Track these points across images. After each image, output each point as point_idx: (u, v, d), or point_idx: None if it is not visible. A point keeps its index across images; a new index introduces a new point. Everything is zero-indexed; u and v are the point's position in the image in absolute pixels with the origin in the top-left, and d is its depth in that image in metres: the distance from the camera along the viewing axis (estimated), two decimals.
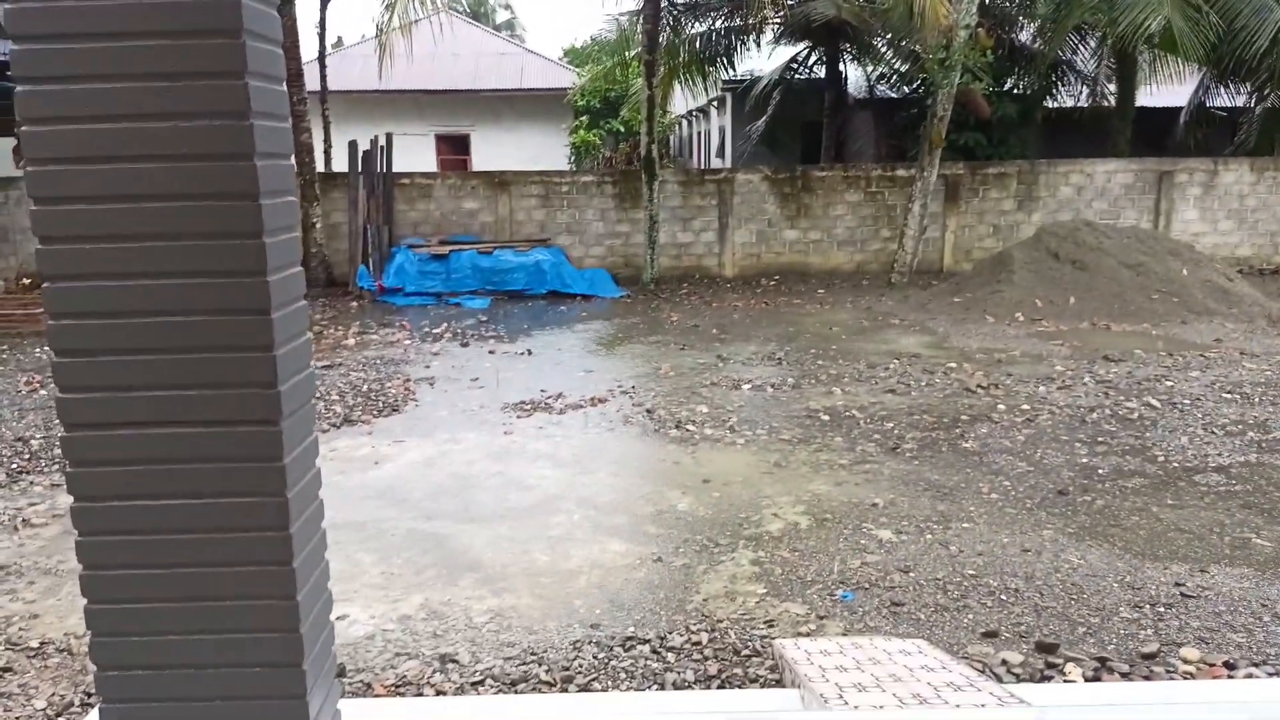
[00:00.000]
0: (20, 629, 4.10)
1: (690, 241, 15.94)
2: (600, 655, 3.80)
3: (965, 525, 5.11)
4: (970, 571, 4.51)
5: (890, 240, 15.60)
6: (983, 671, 3.53)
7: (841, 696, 2.82)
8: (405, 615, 4.18)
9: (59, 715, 3.44)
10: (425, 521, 5.31)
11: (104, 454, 1.69)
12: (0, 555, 4.89)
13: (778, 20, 18.37)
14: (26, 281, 14.12)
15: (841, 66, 19.25)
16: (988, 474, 5.96)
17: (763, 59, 20.15)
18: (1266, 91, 17.00)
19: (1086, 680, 3.52)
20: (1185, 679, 3.56)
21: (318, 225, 14.62)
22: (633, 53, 18.35)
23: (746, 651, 3.80)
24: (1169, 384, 8.11)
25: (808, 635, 3.90)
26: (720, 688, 3.56)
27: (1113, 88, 17.93)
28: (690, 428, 7.06)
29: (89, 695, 3.53)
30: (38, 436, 6.97)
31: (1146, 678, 3.57)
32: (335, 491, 5.61)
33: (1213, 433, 6.70)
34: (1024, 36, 17.90)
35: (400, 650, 3.88)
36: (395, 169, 15.51)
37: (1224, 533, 4.99)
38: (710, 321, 11.88)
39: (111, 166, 1.60)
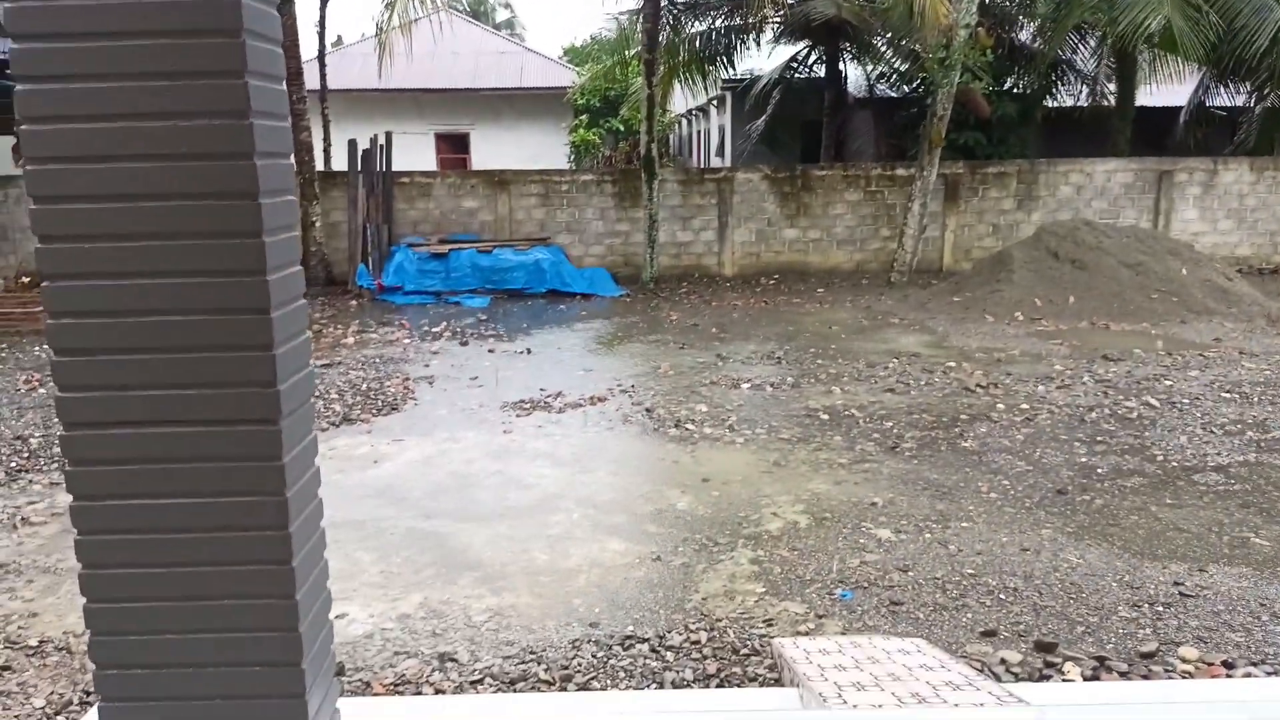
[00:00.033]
0: (19, 627, 4.10)
1: (690, 240, 15.93)
2: (599, 654, 3.80)
3: (964, 524, 5.11)
4: (969, 570, 4.51)
5: (890, 239, 15.60)
6: (981, 670, 3.54)
7: (840, 695, 2.83)
8: (404, 614, 4.18)
9: (58, 714, 3.44)
10: (424, 520, 5.31)
11: (103, 453, 1.69)
12: None
13: (778, 19, 18.37)
14: (26, 280, 14.11)
15: (841, 66, 19.25)
16: (987, 473, 5.96)
17: (762, 58, 20.14)
18: (1266, 91, 17.00)
19: (1085, 679, 3.53)
20: (1184, 678, 3.57)
21: (317, 224, 14.61)
22: (632, 51, 18.35)
23: (745, 650, 3.81)
24: (1168, 383, 8.12)
25: (806, 634, 3.91)
26: (719, 686, 3.56)
27: (1112, 87, 17.92)
28: (689, 427, 7.06)
29: (88, 694, 3.53)
30: (37, 435, 6.97)
31: (1145, 677, 3.57)
32: (334, 490, 5.61)
33: (1212, 432, 6.70)
34: (1024, 36, 17.90)
35: (399, 649, 3.88)
36: (395, 168, 15.50)
37: (1222, 532, 4.99)
38: (710, 320, 11.88)
39: (111, 165, 1.60)
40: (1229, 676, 3.56)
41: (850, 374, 8.75)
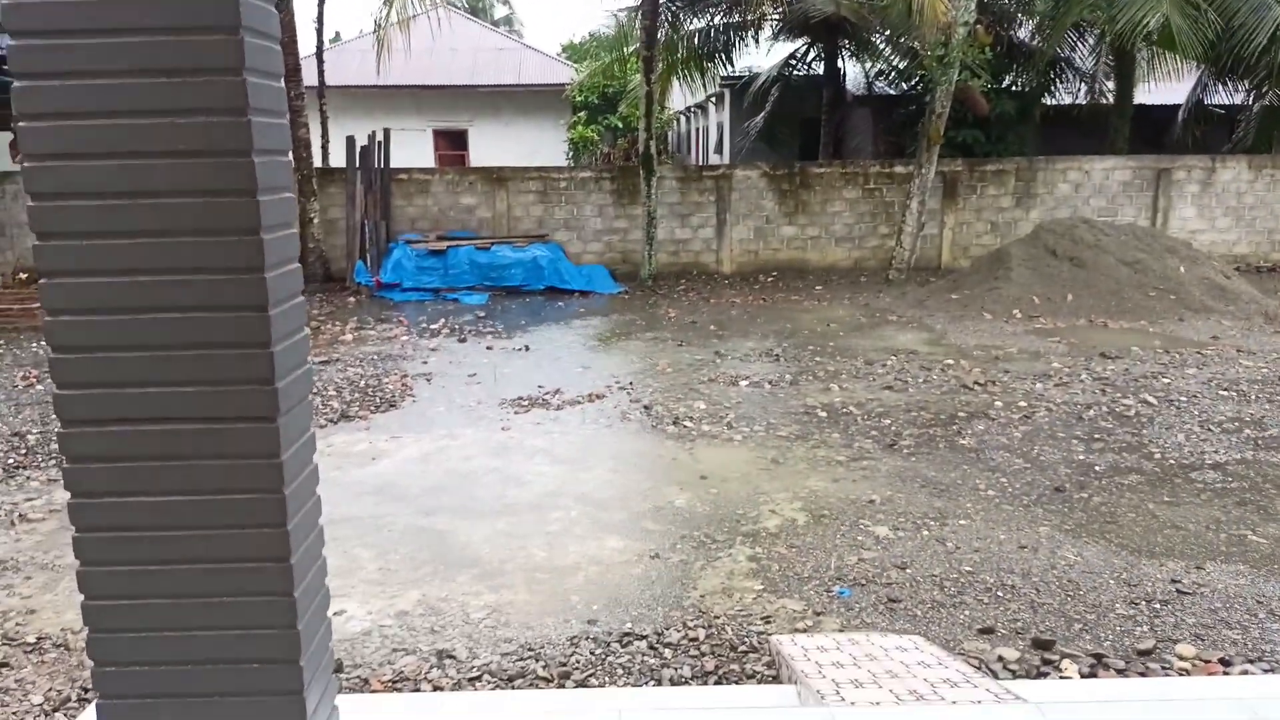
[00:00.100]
0: (17, 624, 4.10)
1: (688, 238, 15.93)
2: (597, 651, 3.80)
3: (962, 522, 5.12)
4: (967, 568, 4.52)
5: (888, 237, 15.60)
6: (979, 668, 3.54)
7: (838, 693, 2.83)
8: (403, 611, 4.18)
9: (56, 710, 3.44)
10: (422, 517, 5.31)
11: (101, 450, 1.69)
12: None
13: (776, 16, 18.36)
14: (23, 276, 14.10)
15: (840, 63, 19.23)
16: (985, 471, 5.97)
17: (761, 55, 20.13)
18: (1264, 89, 17.00)
19: (1083, 676, 3.53)
20: (1181, 675, 3.57)
21: (315, 221, 14.60)
22: (631, 49, 18.32)
23: (743, 647, 3.81)
24: (1166, 381, 8.13)
25: (805, 631, 3.91)
26: (717, 684, 3.57)
27: (1111, 85, 17.92)
28: (688, 424, 7.06)
29: (86, 690, 3.53)
30: (34, 431, 6.97)
31: (1142, 674, 3.57)
32: (332, 487, 5.61)
33: (1209, 430, 6.71)
34: (1022, 33, 17.89)
35: (397, 646, 3.88)
36: (393, 164, 15.49)
37: (1220, 529, 5.00)
38: (708, 318, 11.88)
39: (109, 162, 1.60)
40: (1226, 674, 3.57)
41: (848, 371, 8.75)
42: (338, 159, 16.15)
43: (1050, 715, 2.61)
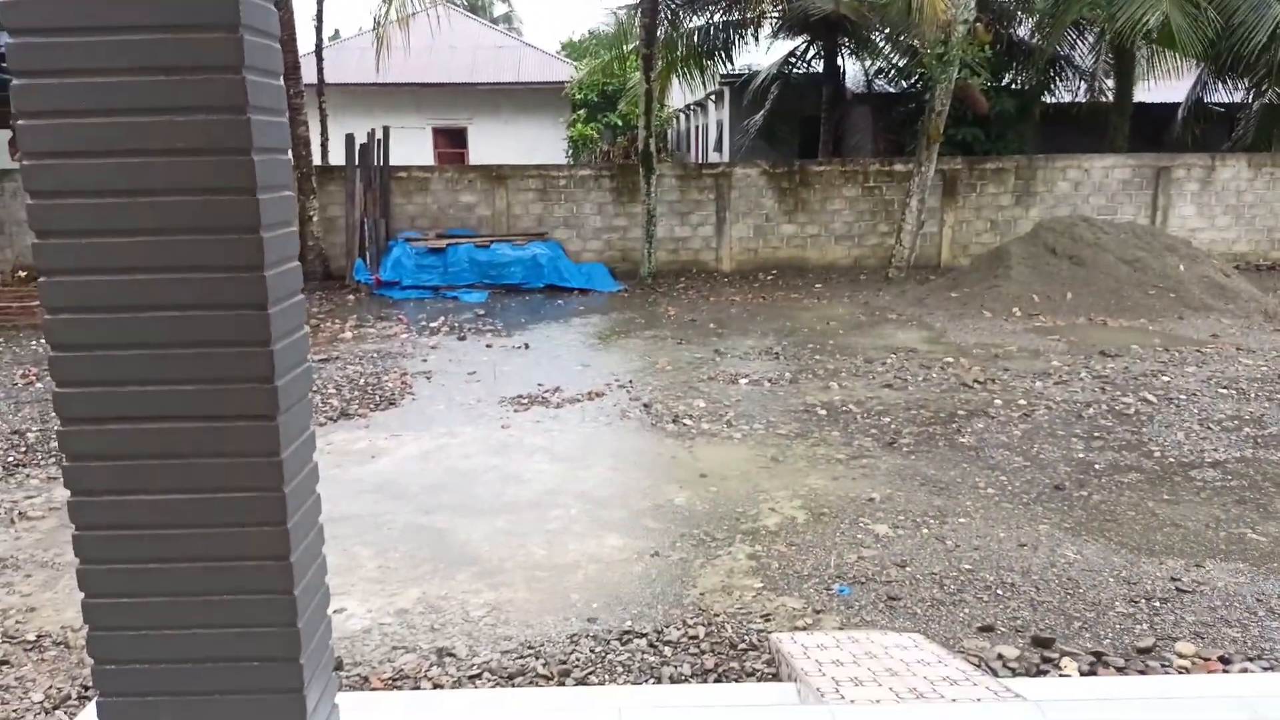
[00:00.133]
0: (17, 622, 4.10)
1: (688, 236, 15.93)
2: (597, 649, 3.80)
3: (962, 520, 5.12)
4: (966, 566, 4.52)
5: (888, 235, 15.60)
6: (979, 666, 3.54)
7: (838, 690, 2.83)
8: (402, 609, 4.18)
9: (56, 708, 3.44)
10: (422, 515, 5.31)
11: (101, 448, 1.69)
12: None
13: (776, 14, 18.35)
14: (22, 274, 14.09)
15: (840, 61, 19.22)
16: (984, 469, 5.97)
17: (761, 53, 20.11)
18: (1264, 87, 16.99)
19: (1082, 674, 3.53)
20: (1180, 673, 3.57)
21: (314, 218, 14.59)
22: (631, 46, 18.31)
23: (743, 645, 3.81)
24: (1165, 379, 8.13)
25: (804, 629, 3.91)
26: (717, 681, 3.57)
27: (1111, 83, 17.91)
28: (687, 422, 7.06)
29: (86, 688, 3.53)
30: (34, 429, 6.97)
31: (1142, 672, 3.58)
32: (332, 485, 5.60)
33: (1209, 428, 6.71)
34: (1022, 31, 17.88)
35: (397, 644, 3.88)
36: (392, 162, 15.48)
37: (1219, 528, 5.00)
38: (707, 316, 11.88)
39: (108, 161, 1.60)
40: (1225, 672, 3.57)
41: (848, 370, 8.75)
42: (337, 157, 16.14)
43: (1050, 713, 2.62)
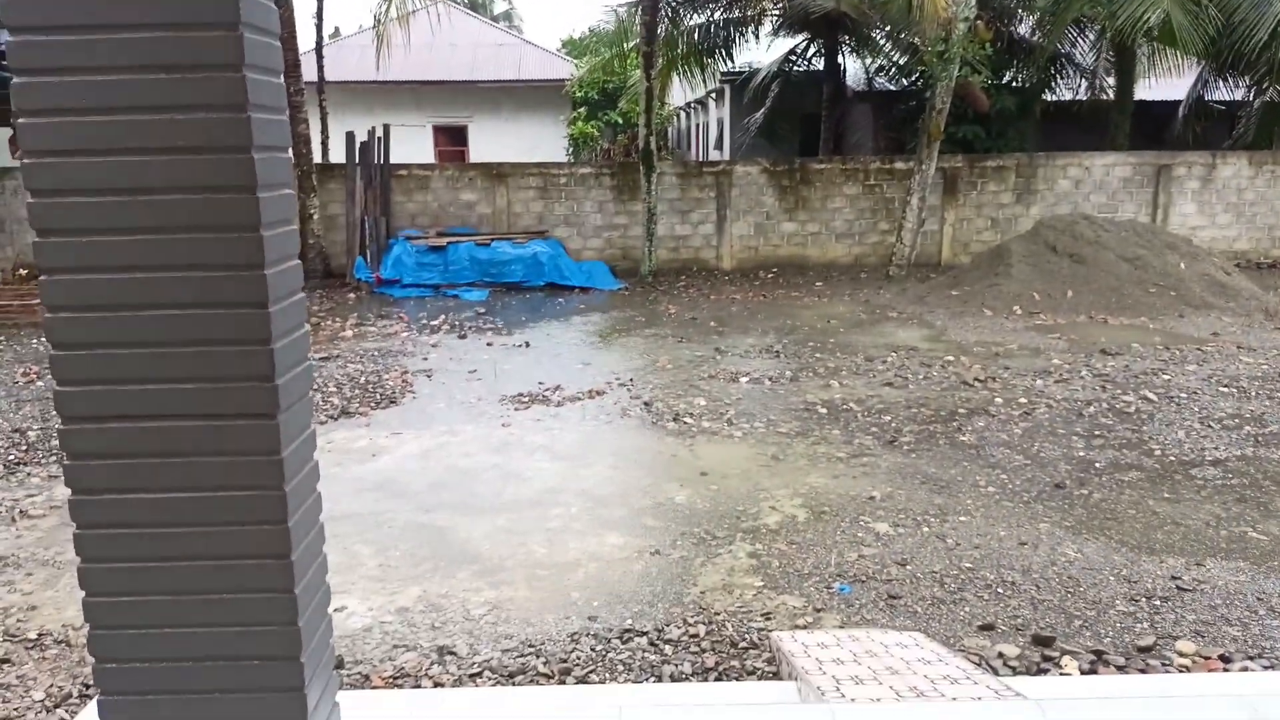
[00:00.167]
0: (18, 620, 4.10)
1: (688, 234, 15.92)
2: (598, 647, 3.80)
3: (962, 518, 5.12)
4: (967, 564, 4.52)
5: (888, 233, 15.59)
6: (979, 664, 3.54)
7: (839, 689, 2.83)
8: (403, 607, 4.18)
9: (57, 706, 3.44)
10: (423, 514, 5.32)
11: (101, 446, 1.69)
12: None
13: (776, 12, 18.35)
14: (23, 272, 14.09)
15: (840, 59, 19.22)
16: (985, 467, 5.97)
17: (761, 51, 20.12)
18: (1265, 85, 16.98)
19: (1083, 673, 3.53)
20: (1181, 672, 3.57)
21: (315, 216, 14.59)
22: (631, 44, 18.30)
23: (744, 644, 3.81)
24: (1166, 378, 8.12)
25: (805, 628, 3.91)
26: (718, 680, 3.57)
27: (1111, 81, 17.90)
28: (688, 420, 7.06)
29: (87, 687, 3.53)
30: (35, 428, 6.97)
31: (1143, 671, 3.58)
32: (333, 483, 5.61)
33: (1209, 426, 6.71)
34: (1023, 29, 17.88)
35: (398, 642, 3.88)
36: (393, 160, 15.47)
37: (1220, 526, 5.00)
38: (708, 314, 11.88)
39: (108, 159, 1.60)
40: (1226, 670, 3.57)
41: (848, 368, 8.75)
42: (337, 155, 16.13)
43: (1050, 712, 2.61)
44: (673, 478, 5.85)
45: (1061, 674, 3.54)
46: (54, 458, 6.27)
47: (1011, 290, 11.78)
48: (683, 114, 29.93)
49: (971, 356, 9.13)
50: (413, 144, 22.13)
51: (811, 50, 19.67)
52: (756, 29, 18.71)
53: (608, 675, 3.61)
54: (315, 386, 8.01)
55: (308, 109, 14.90)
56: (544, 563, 4.63)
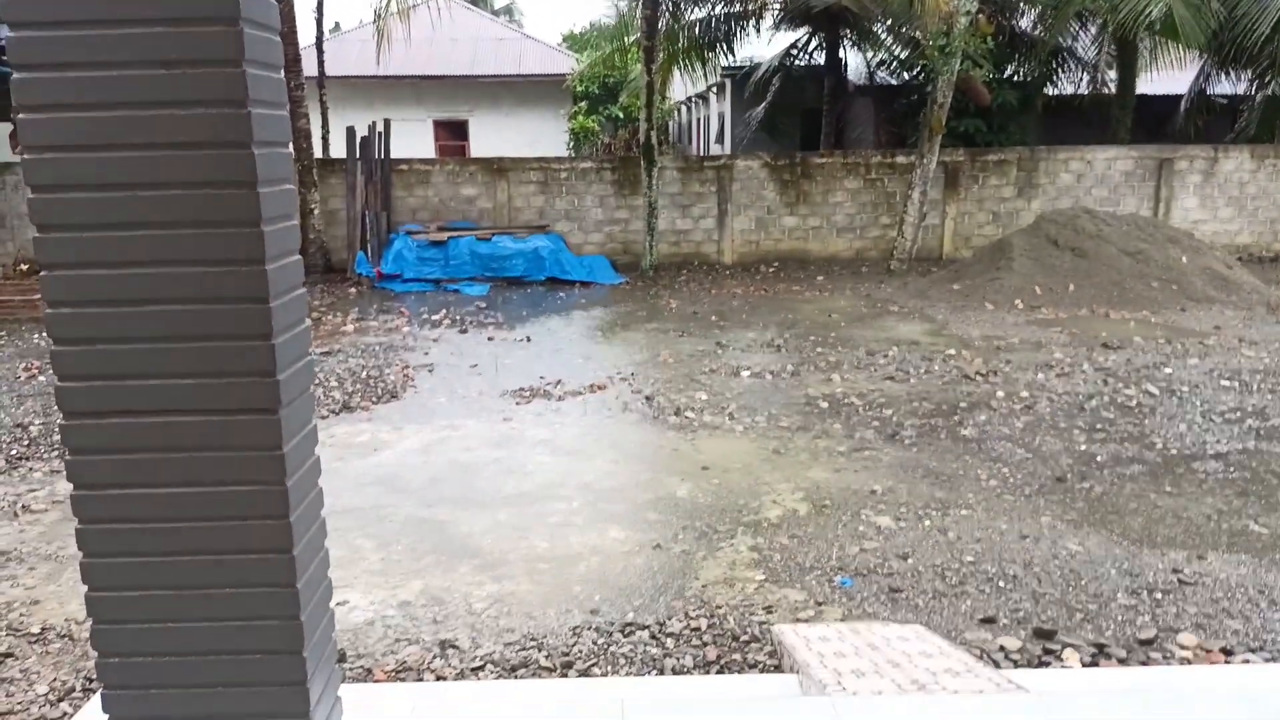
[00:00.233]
0: (21, 614, 4.11)
1: (689, 228, 15.91)
2: (599, 641, 3.81)
3: (964, 512, 5.12)
4: (968, 558, 4.52)
5: (890, 227, 15.58)
6: (981, 657, 3.55)
7: (840, 682, 2.83)
8: (405, 601, 4.19)
9: (60, 700, 3.45)
10: (424, 508, 5.32)
11: (103, 442, 1.69)
12: (0, 541, 4.90)
13: (777, 6, 18.31)
14: (24, 267, 14.09)
15: (841, 53, 19.18)
16: (986, 461, 5.97)
17: (762, 45, 20.09)
18: (1267, 79, 16.95)
19: (1084, 666, 3.54)
20: (1182, 665, 3.58)
21: (315, 211, 14.58)
22: (632, 38, 18.27)
23: (745, 637, 3.82)
24: (1168, 371, 8.12)
25: (806, 621, 3.92)
26: (719, 673, 3.57)
27: (1113, 75, 17.87)
28: (689, 415, 7.06)
29: (90, 681, 3.54)
30: (37, 423, 6.98)
31: (1144, 664, 3.58)
32: (334, 478, 5.61)
33: (1211, 420, 6.71)
34: (1024, 23, 17.84)
35: (400, 636, 3.89)
36: (393, 155, 15.46)
37: (1221, 519, 5.00)
38: (709, 308, 11.87)
39: (109, 154, 1.60)
40: (1227, 663, 3.58)
41: (850, 362, 8.75)
42: (338, 149, 16.12)
43: (1052, 705, 2.62)
44: (674, 472, 5.85)
45: (1063, 667, 3.54)
46: (56, 452, 6.28)
47: (1013, 284, 11.77)
48: (684, 108, 29.89)
49: (973, 350, 9.13)
50: (413, 139, 22.10)
51: (813, 44, 19.64)
52: (757, 23, 18.68)
53: (610, 668, 3.62)
54: (316, 381, 8.02)
55: (308, 104, 14.88)
56: (546, 556, 4.64)
